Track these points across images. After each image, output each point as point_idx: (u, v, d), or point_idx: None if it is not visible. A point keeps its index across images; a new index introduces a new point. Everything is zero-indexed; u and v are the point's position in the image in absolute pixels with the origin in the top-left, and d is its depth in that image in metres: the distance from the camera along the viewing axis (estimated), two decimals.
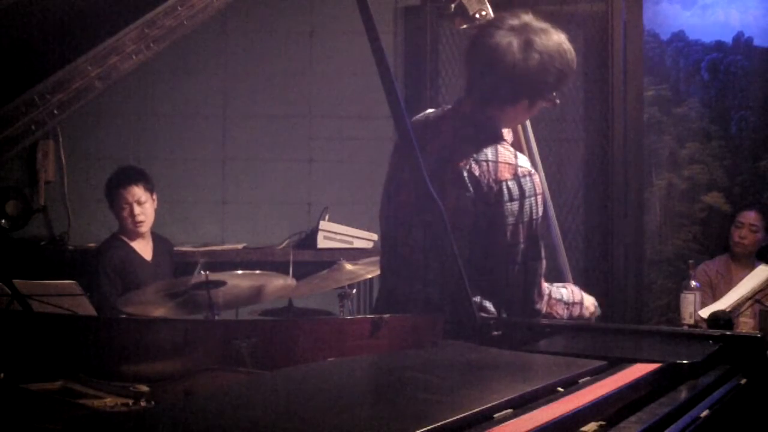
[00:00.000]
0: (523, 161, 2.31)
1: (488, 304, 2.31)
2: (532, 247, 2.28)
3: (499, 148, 2.30)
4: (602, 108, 5.02)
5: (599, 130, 5.05)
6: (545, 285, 2.36)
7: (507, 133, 2.48)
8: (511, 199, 2.24)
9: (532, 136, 2.64)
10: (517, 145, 2.52)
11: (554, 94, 2.34)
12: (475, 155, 2.27)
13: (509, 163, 2.27)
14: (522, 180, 2.26)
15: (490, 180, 2.24)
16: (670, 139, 5.28)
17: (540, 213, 2.30)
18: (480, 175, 2.25)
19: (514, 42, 2.27)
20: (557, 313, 2.40)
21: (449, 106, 2.47)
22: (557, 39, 2.33)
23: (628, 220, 5.06)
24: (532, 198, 2.27)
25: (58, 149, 5.14)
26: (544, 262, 2.33)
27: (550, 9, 4.99)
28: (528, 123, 2.62)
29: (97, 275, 4.11)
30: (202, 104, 5.37)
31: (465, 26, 2.47)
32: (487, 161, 2.27)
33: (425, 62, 5.16)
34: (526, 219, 2.26)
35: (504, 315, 2.30)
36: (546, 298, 2.36)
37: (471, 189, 2.24)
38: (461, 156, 2.28)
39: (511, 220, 2.24)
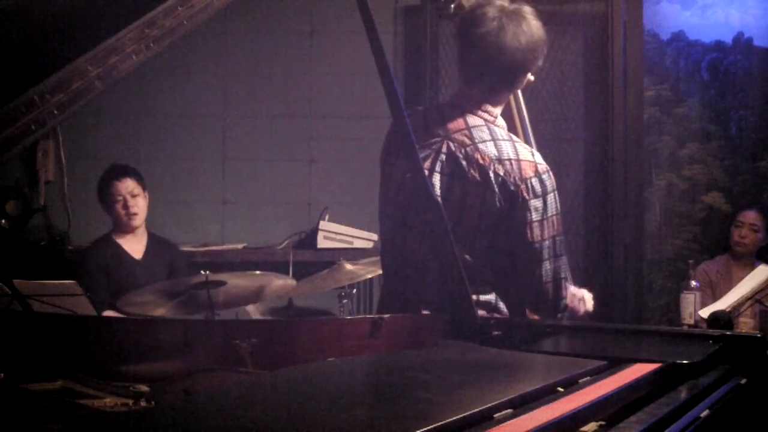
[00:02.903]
0: (539, 158, 2.35)
1: (502, 305, 2.32)
2: (558, 243, 2.32)
3: (517, 145, 2.33)
4: (602, 108, 5.02)
5: (599, 130, 5.05)
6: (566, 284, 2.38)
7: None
8: (535, 197, 2.27)
9: (525, 111, 2.65)
10: (510, 122, 2.53)
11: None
12: (496, 155, 2.28)
13: (530, 161, 2.30)
14: (543, 176, 2.30)
15: (516, 179, 2.26)
16: (670, 139, 5.28)
17: (559, 208, 2.33)
18: (505, 174, 2.26)
19: (508, 26, 2.29)
20: (575, 307, 2.43)
21: (443, 101, 2.48)
22: (532, 15, 2.36)
23: (628, 220, 5.06)
24: (553, 194, 2.31)
25: (58, 149, 5.14)
26: (565, 257, 2.36)
27: (550, 9, 4.99)
28: (521, 99, 2.63)
29: (83, 274, 4.11)
30: (202, 104, 5.37)
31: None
32: (510, 160, 2.28)
33: (425, 62, 5.16)
34: (550, 214, 2.29)
35: (533, 315, 2.34)
36: (570, 292, 2.39)
37: (496, 189, 2.26)
38: (482, 155, 2.28)
39: (535, 216, 2.27)
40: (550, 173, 2.33)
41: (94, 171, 4.86)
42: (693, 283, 4.11)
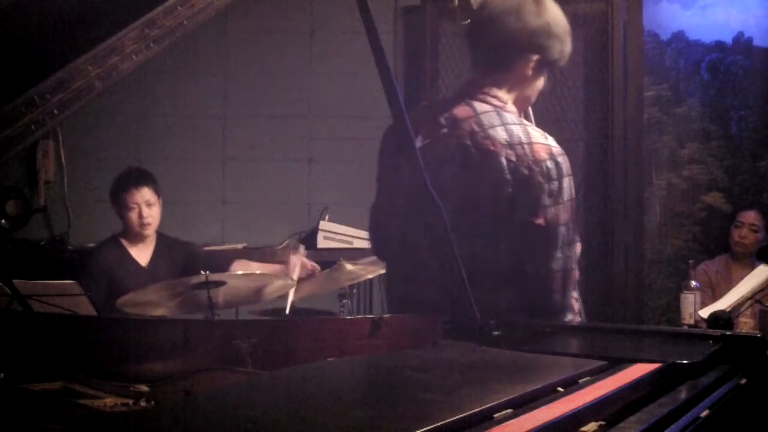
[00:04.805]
0: (553, 141, 2.25)
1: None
2: (572, 231, 2.23)
3: (529, 129, 2.24)
4: (602, 108, 5.02)
5: (599, 130, 5.05)
6: (576, 274, 2.28)
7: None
8: (550, 180, 2.18)
9: (532, 117, 2.64)
10: None
11: (556, 59, 2.31)
12: (507, 139, 2.20)
13: (543, 144, 2.21)
14: (558, 159, 2.20)
15: (530, 162, 2.17)
16: (670, 139, 5.28)
17: (574, 194, 2.23)
18: (517, 159, 2.18)
19: (515, 7, 2.25)
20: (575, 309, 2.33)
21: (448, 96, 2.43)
22: (553, 5, 2.31)
23: (628, 220, 5.06)
24: (569, 178, 2.21)
25: (58, 149, 5.14)
26: (579, 245, 2.28)
27: None
28: (529, 107, 2.61)
29: (86, 275, 4.08)
30: (202, 104, 5.37)
31: (467, 21, 2.47)
32: (521, 144, 2.19)
33: (425, 62, 5.16)
34: (566, 199, 2.20)
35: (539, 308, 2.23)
36: (575, 292, 2.29)
37: (509, 175, 2.17)
38: (493, 141, 2.20)
39: (550, 200, 2.17)
40: (565, 157, 2.23)
41: (94, 171, 4.88)
42: (693, 283, 4.12)
